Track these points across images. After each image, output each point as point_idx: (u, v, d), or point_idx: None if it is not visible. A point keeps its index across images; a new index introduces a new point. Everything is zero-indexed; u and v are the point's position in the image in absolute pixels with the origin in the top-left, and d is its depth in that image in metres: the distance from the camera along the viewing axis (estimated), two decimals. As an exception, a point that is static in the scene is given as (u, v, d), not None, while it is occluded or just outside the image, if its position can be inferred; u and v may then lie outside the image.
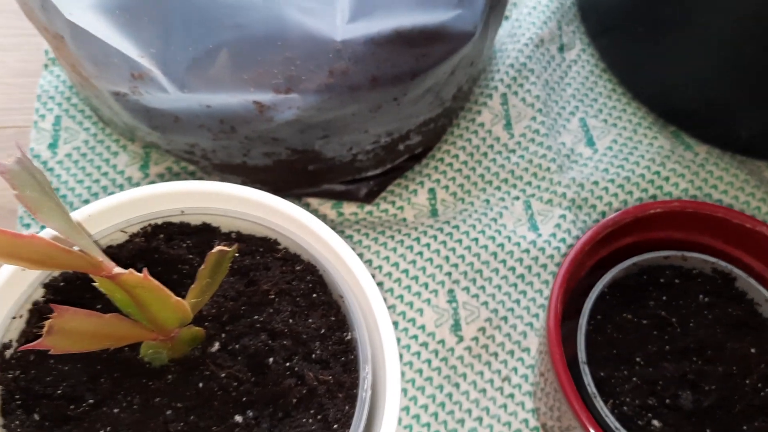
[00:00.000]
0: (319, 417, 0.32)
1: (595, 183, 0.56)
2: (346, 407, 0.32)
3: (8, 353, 0.32)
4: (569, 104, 0.62)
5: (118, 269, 0.28)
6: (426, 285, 0.52)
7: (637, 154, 0.58)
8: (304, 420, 0.32)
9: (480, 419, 0.49)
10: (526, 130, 0.58)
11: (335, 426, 0.31)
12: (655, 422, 0.40)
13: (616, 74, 0.63)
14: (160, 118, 0.46)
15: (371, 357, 0.33)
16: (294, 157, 0.50)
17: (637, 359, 0.42)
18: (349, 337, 0.34)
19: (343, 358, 0.33)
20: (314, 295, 0.35)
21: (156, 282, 0.27)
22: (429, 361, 0.50)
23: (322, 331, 0.34)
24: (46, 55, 0.59)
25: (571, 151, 0.59)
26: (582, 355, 0.41)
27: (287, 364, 0.33)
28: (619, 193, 0.56)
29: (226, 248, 0.29)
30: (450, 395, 0.50)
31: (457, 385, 0.50)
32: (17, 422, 0.30)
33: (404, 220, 0.56)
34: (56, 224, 0.28)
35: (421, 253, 0.53)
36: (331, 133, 0.49)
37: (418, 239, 0.53)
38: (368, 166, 0.54)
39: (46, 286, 0.34)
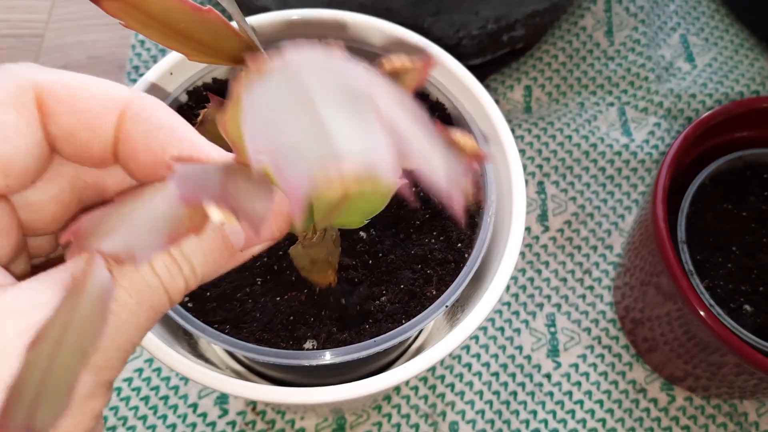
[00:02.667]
0: (442, 238, 0.33)
1: (693, 96, 0.56)
2: (469, 232, 0.33)
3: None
4: (671, 20, 0.61)
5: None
6: (516, 175, 0.53)
7: (737, 73, 0.57)
8: (426, 240, 0.33)
9: (558, 306, 0.50)
10: (627, 39, 0.58)
11: (459, 245, 0.33)
12: (747, 306, 0.41)
13: (721, -5, 0.62)
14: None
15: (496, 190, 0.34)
16: (403, 32, 0.51)
17: (734, 248, 0.43)
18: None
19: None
20: (440, 132, 0.36)
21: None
22: (519, 250, 0.51)
23: None
24: None
25: (669, 65, 0.59)
26: (682, 235, 0.41)
27: (413, 188, 0.34)
28: (716, 108, 0.56)
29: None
30: (531, 279, 0.51)
31: (539, 271, 0.51)
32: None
33: (497, 114, 0.56)
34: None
35: (514, 144, 0.54)
36: (443, 10, 0.49)
37: (512, 130, 0.54)
38: (470, 53, 0.54)
39: (189, 93, 0.35)
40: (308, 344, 0.30)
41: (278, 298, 0.31)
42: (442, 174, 0.14)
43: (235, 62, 0.30)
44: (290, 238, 0.33)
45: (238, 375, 0.39)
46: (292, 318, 0.31)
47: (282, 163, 0.12)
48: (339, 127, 0.12)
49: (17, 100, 0.21)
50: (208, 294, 0.31)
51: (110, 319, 0.18)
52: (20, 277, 0.21)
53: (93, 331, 0.17)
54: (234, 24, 0.28)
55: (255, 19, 0.36)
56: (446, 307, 0.30)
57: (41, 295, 0.18)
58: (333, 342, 0.30)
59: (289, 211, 0.23)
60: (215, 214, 0.17)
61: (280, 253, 0.33)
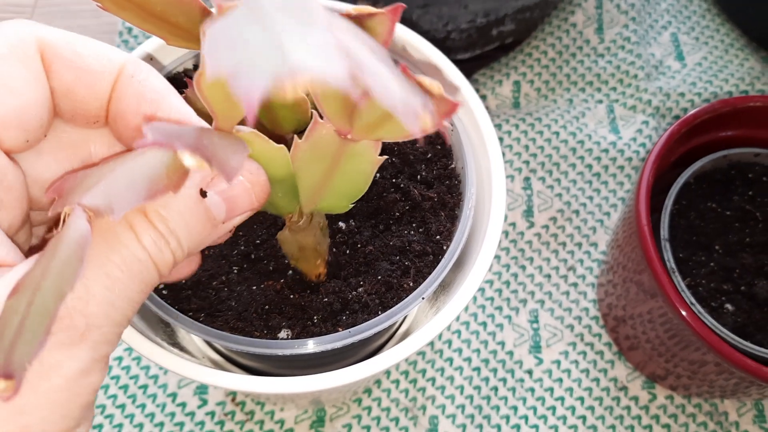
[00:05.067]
0: (421, 230, 0.33)
1: (681, 95, 0.56)
2: (448, 224, 0.33)
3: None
4: (662, 18, 0.61)
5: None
6: (503, 170, 0.53)
7: (726, 72, 0.57)
8: (405, 231, 0.33)
9: (542, 302, 0.50)
10: (617, 36, 0.58)
11: (437, 237, 0.32)
12: (728, 306, 0.41)
13: (712, -5, 0.62)
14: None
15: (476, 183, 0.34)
16: (391, 24, 0.50)
17: (716, 247, 0.43)
18: (453, 166, 0.35)
19: (447, 182, 0.34)
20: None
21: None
22: (498, 241, 0.51)
23: (429, 155, 0.35)
24: None
25: (659, 63, 0.59)
26: (665, 232, 0.41)
27: (393, 180, 0.34)
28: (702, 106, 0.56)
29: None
30: (515, 275, 0.51)
31: (523, 267, 0.51)
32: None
33: (486, 108, 0.56)
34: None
35: (501, 139, 0.53)
36: (432, 2, 0.49)
37: (499, 126, 0.54)
38: (459, 47, 0.54)
39: (170, 79, 0.35)
40: (283, 334, 0.30)
41: (254, 287, 0.31)
42: (398, 97, 0.15)
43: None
44: (273, 226, 0.33)
45: (216, 365, 0.39)
46: (267, 307, 0.31)
47: (238, 73, 0.13)
48: (293, 41, 0.13)
49: (24, 55, 0.21)
50: (183, 282, 0.31)
51: (104, 294, 0.19)
52: (22, 247, 0.22)
53: (70, 272, 0.17)
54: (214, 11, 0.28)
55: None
56: (422, 299, 0.30)
57: None
58: (308, 332, 0.30)
59: (266, 181, 0.24)
60: (188, 160, 0.17)
61: (257, 241, 0.32)
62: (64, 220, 0.18)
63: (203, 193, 0.22)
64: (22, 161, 0.23)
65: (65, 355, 0.18)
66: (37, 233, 0.26)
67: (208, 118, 0.23)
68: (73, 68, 0.22)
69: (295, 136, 0.24)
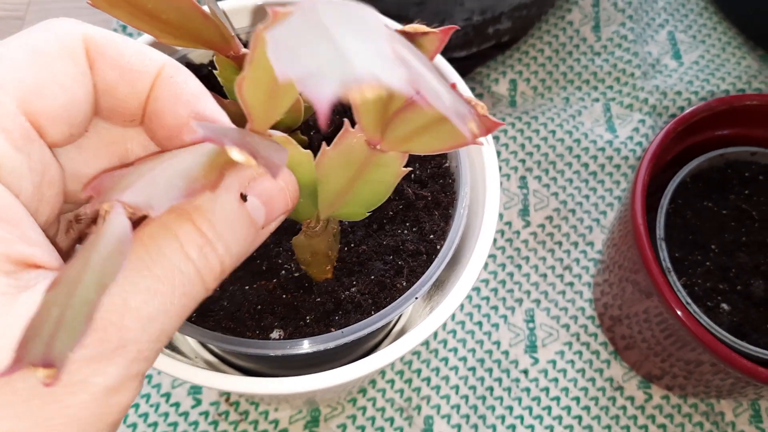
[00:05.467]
0: (414, 229, 0.33)
1: (678, 93, 0.56)
2: (442, 223, 0.33)
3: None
4: (659, 16, 0.61)
5: (246, 51, 0.29)
6: (499, 169, 0.52)
7: (723, 71, 0.57)
8: (399, 231, 0.33)
9: (538, 301, 0.50)
10: (614, 34, 0.58)
11: (431, 236, 0.32)
12: (724, 305, 0.41)
13: (709, -7, 0.61)
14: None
15: (470, 182, 0.34)
16: (387, 22, 0.50)
17: (713, 246, 0.43)
18: (447, 165, 0.35)
19: (441, 181, 0.34)
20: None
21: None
22: (494, 240, 0.51)
23: (422, 155, 0.35)
24: None
25: (656, 61, 0.58)
26: (660, 232, 0.41)
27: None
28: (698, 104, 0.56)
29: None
30: (511, 275, 0.50)
31: (519, 267, 0.51)
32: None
33: (482, 107, 0.56)
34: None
35: (497, 138, 0.53)
36: (428, 0, 0.49)
37: (495, 124, 0.54)
38: (455, 45, 0.54)
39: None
40: (275, 334, 0.30)
41: (247, 287, 0.31)
42: (450, 104, 0.15)
43: (204, 45, 0.30)
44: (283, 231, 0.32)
45: (210, 365, 0.38)
46: (259, 307, 0.30)
47: (309, 79, 0.13)
48: (354, 50, 0.14)
49: (72, 52, 0.21)
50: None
51: (142, 308, 0.18)
52: (53, 240, 0.22)
53: (112, 266, 0.16)
54: (206, 8, 0.28)
55: (226, 4, 0.36)
56: (416, 298, 0.29)
57: None
58: (301, 332, 0.30)
59: (296, 181, 0.24)
60: (237, 155, 0.17)
61: (250, 241, 0.32)
62: (103, 217, 0.18)
63: (243, 198, 0.22)
64: (62, 155, 0.23)
65: (95, 370, 0.17)
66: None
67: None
68: (116, 66, 0.22)
69: (323, 143, 0.24)
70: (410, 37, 0.22)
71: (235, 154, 0.18)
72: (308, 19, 0.15)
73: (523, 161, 0.53)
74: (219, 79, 0.31)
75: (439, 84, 0.16)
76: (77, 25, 0.22)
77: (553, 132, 0.54)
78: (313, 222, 0.28)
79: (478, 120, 0.19)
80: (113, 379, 0.18)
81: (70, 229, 0.26)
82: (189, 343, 0.39)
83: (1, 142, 0.19)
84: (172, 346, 0.35)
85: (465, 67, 0.56)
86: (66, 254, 0.21)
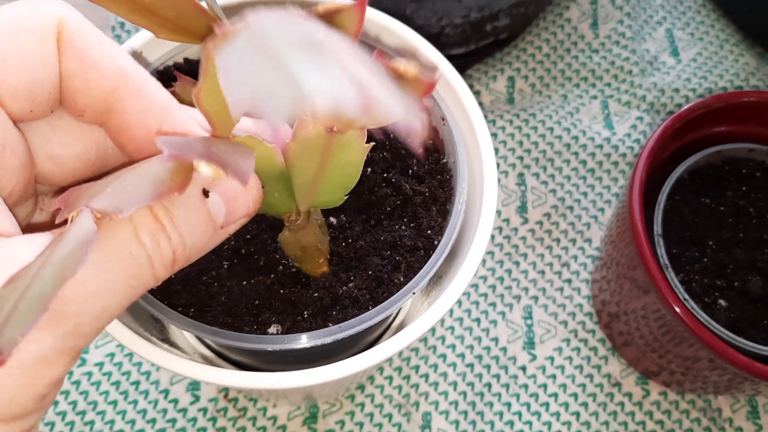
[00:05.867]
0: (412, 225, 0.33)
1: (676, 90, 0.56)
2: (439, 219, 0.33)
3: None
4: (657, 14, 0.61)
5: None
6: (497, 165, 0.52)
7: (721, 68, 0.57)
8: (396, 227, 0.33)
9: (536, 298, 0.50)
10: (612, 32, 0.58)
11: (429, 232, 0.32)
12: (722, 301, 0.41)
13: (707, -9, 0.62)
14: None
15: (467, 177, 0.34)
16: (385, 19, 0.50)
17: (710, 243, 0.43)
18: (444, 160, 0.35)
19: (438, 177, 0.34)
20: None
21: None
22: (492, 237, 0.51)
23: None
24: None
25: (654, 59, 0.59)
26: (658, 228, 0.41)
27: (384, 175, 0.34)
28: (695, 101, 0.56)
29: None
30: (509, 271, 0.51)
31: (517, 263, 0.51)
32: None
33: (480, 104, 0.56)
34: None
35: (495, 135, 0.53)
36: (426, -3, 0.49)
37: (493, 121, 0.54)
38: (453, 42, 0.54)
39: (160, 72, 0.35)
40: (273, 329, 0.30)
41: (244, 283, 0.31)
42: (401, 117, 0.15)
43: (202, 40, 0.30)
44: (263, 221, 0.32)
45: (208, 361, 0.38)
46: (257, 302, 0.30)
47: (261, 108, 0.13)
48: (306, 74, 0.14)
49: (43, 32, 0.21)
50: (173, 276, 0.31)
51: (87, 281, 0.18)
52: (24, 220, 0.23)
53: (72, 263, 0.16)
54: (204, 4, 0.28)
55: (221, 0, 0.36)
56: (413, 294, 0.29)
57: (30, 252, 0.18)
58: (298, 327, 0.30)
59: (259, 182, 0.24)
60: (204, 168, 0.18)
61: (248, 237, 0.32)
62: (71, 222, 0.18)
63: (206, 194, 0.22)
64: (34, 132, 0.23)
65: (29, 337, 0.17)
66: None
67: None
68: (78, 57, 0.22)
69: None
70: (327, 18, 0.22)
71: (204, 168, 0.18)
72: (256, 41, 0.15)
73: (521, 158, 0.53)
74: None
75: (386, 92, 0.16)
76: (59, 7, 0.22)
77: (551, 129, 0.54)
78: (294, 215, 0.28)
79: (416, 95, 0.19)
80: (46, 350, 0.18)
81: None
82: (187, 339, 0.39)
83: None
84: (170, 342, 0.36)
85: (463, 64, 0.56)
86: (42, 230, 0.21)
